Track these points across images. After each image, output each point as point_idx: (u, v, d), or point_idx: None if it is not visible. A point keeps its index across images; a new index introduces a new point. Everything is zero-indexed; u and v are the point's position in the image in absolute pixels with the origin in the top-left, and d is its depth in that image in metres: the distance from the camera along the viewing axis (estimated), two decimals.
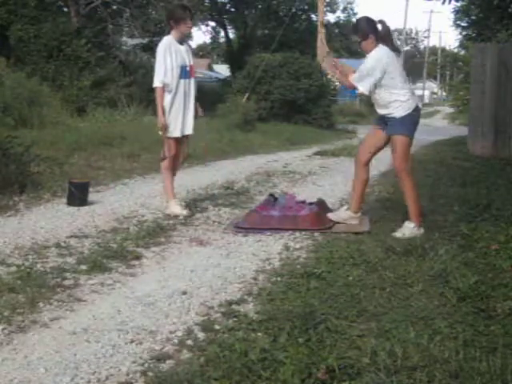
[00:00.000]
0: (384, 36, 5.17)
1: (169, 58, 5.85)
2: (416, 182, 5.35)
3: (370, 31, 5.14)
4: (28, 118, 11.49)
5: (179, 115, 5.97)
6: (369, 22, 5.21)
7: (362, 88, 5.13)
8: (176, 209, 6.01)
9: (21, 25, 16.24)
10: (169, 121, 5.94)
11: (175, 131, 5.99)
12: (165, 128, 5.89)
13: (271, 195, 6.07)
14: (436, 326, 3.24)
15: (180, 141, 6.09)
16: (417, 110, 5.22)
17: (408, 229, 5.14)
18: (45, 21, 16.43)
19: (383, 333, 3.13)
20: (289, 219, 5.56)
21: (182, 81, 5.96)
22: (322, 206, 5.88)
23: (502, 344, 2.95)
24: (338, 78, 5.59)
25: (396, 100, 5.11)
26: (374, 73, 5.07)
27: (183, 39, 6.08)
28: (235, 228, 5.57)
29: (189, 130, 6.12)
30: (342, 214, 5.65)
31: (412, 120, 5.17)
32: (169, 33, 6.05)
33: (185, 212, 6.00)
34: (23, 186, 6.74)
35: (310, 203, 5.86)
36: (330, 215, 5.69)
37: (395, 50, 5.31)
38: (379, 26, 5.18)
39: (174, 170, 6.17)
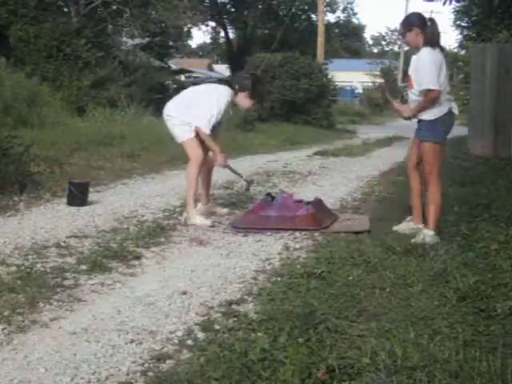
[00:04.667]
0: (432, 34, 4.96)
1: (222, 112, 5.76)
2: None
3: (416, 24, 4.99)
4: (28, 118, 11.50)
5: None
6: (418, 16, 5.09)
7: (432, 85, 4.83)
8: (197, 219, 5.70)
9: (21, 25, 16.23)
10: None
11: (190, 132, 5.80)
12: None
13: (268, 194, 6.06)
14: (436, 325, 3.24)
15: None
16: (450, 114, 4.99)
17: (428, 236, 4.89)
18: (45, 21, 16.43)
19: (383, 333, 3.13)
20: (286, 219, 5.55)
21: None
22: (319, 206, 5.87)
23: (502, 344, 2.95)
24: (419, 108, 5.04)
25: None
26: (435, 69, 4.86)
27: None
28: (233, 228, 5.57)
29: None
30: (404, 226, 5.30)
31: (443, 124, 4.97)
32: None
33: (208, 222, 5.67)
34: (23, 186, 6.74)
35: (307, 203, 5.85)
36: (395, 228, 5.28)
37: (442, 51, 5.08)
38: (428, 23, 5.00)
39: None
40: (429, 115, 4.95)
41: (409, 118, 5.17)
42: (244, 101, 5.94)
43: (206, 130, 5.68)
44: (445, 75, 4.99)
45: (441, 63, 4.95)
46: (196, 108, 5.73)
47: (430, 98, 4.89)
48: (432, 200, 5.03)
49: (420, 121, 5.05)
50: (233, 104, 5.95)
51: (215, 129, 5.83)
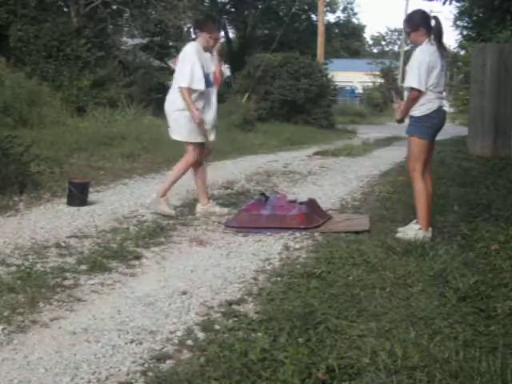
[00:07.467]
0: (435, 32, 5.00)
1: (199, 64, 5.75)
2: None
3: (422, 24, 5.03)
4: (28, 118, 11.50)
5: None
6: (422, 15, 5.11)
7: (415, 84, 4.89)
8: (164, 207, 6.00)
9: (21, 25, 16.23)
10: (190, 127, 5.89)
11: (199, 136, 5.96)
12: (201, 122, 5.81)
13: (262, 194, 6.07)
14: (436, 326, 3.24)
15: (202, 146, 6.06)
16: (438, 112, 5.00)
17: (412, 230, 5.01)
18: (45, 21, 16.42)
19: (383, 333, 3.13)
20: (277, 218, 5.56)
21: (206, 89, 5.88)
22: (312, 205, 5.87)
23: (502, 344, 2.95)
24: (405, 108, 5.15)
25: (419, 101, 4.97)
26: (422, 70, 4.89)
27: (208, 49, 5.97)
28: (226, 227, 5.58)
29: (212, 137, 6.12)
30: (410, 232, 5.09)
31: (430, 122, 5.00)
32: (193, 39, 6.03)
33: (172, 212, 5.99)
34: (23, 186, 6.74)
35: (301, 202, 5.85)
36: (400, 233, 5.14)
37: (442, 49, 5.07)
38: (432, 22, 5.03)
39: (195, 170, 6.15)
40: (417, 112, 5.01)
41: (400, 121, 5.22)
42: (209, 33, 5.87)
43: (184, 84, 5.73)
44: (438, 74, 4.99)
45: (434, 63, 4.95)
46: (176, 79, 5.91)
47: (411, 97, 4.98)
48: (417, 197, 5.06)
49: (410, 117, 5.11)
50: (205, 50, 5.90)
51: (209, 100, 5.92)
